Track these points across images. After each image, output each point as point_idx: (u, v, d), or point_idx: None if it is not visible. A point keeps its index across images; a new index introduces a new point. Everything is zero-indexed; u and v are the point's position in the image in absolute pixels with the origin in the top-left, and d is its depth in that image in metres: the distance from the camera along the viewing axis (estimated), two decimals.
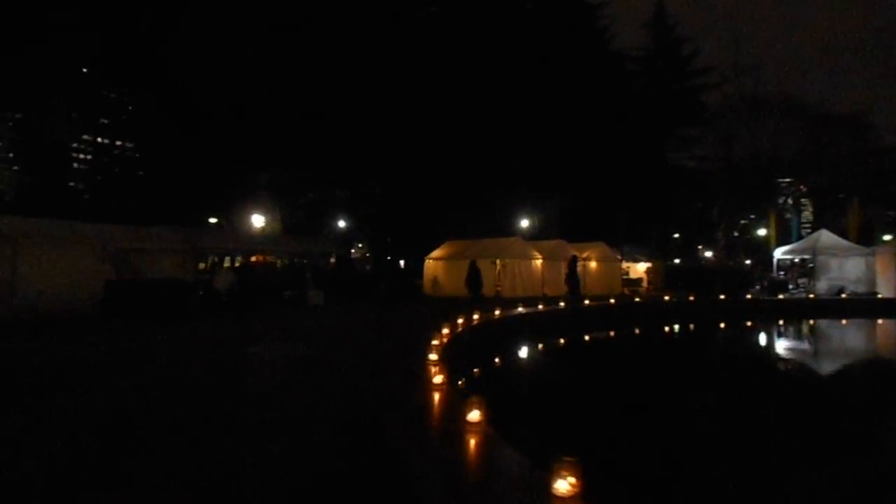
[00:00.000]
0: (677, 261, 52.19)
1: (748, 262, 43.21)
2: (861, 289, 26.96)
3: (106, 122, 45.96)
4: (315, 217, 42.28)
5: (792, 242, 56.90)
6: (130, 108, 42.58)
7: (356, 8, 39.03)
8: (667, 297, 22.14)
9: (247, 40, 36.02)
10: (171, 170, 38.23)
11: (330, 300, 23.49)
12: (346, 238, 41.72)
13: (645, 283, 38.53)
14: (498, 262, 29.73)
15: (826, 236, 29.78)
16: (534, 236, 36.24)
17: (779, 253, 31.26)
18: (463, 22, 42.92)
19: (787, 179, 54.71)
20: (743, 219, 60.22)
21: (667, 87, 55.84)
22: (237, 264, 24.89)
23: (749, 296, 24.99)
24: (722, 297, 24.62)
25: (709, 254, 57.65)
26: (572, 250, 33.48)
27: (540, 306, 17.60)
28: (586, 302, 19.77)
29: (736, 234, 60.29)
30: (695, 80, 56.53)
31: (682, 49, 56.96)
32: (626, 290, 36.44)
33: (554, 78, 44.84)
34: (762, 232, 52.90)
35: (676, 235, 60.96)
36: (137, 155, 43.24)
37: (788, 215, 56.85)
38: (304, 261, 28.60)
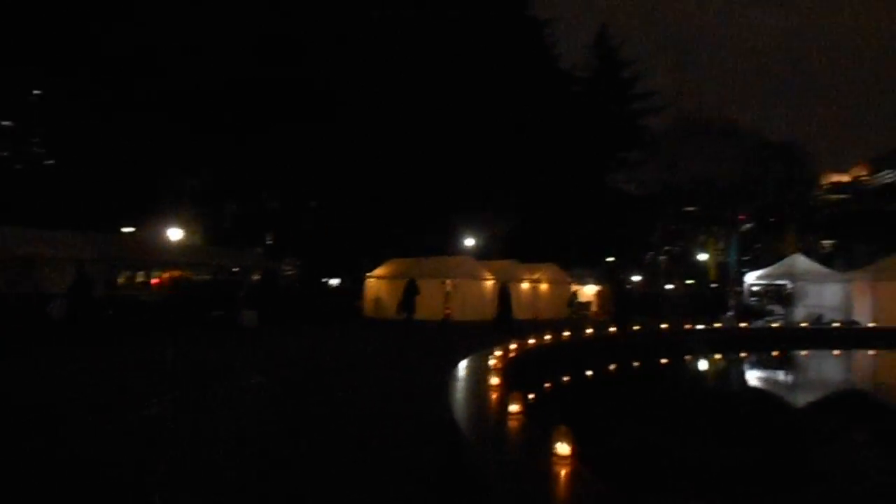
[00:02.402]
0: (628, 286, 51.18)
1: (725, 287, 42.20)
2: (839, 316, 25.96)
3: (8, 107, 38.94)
4: (243, 229, 38.81)
5: (731, 269, 57.47)
6: (37, 92, 36.81)
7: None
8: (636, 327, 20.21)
9: (196, 23, 32.29)
10: (86, 168, 33.70)
11: (262, 322, 20.67)
12: (277, 253, 38.36)
13: (594, 307, 37.16)
14: (448, 282, 27.40)
15: (802, 261, 28.92)
16: (481, 256, 34.22)
17: (751, 278, 30.09)
18: (409, 32, 40.86)
19: (726, 205, 54.94)
20: (682, 243, 60.27)
21: (609, 109, 55.32)
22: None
23: (718, 324, 23.43)
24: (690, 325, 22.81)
25: (637, 278, 56.79)
26: (523, 271, 31.83)
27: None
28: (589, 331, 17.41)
29: (671, 257, 60.32)
30: (637, 104, 56.30)
31: (625, 72, 56.68)
32: (573, 314, 34.96)
33: (500, 94, 43.39)
34: (703, 256, 52.78)
35: (611, 259, 60.37)
36: (44, 150, 37.89)
37: (724, 242, 57.16)
38: (239, 276, 25.55)
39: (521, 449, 4.28)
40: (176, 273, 25.16)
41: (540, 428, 4.66)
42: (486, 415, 5.54)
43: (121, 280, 23.20)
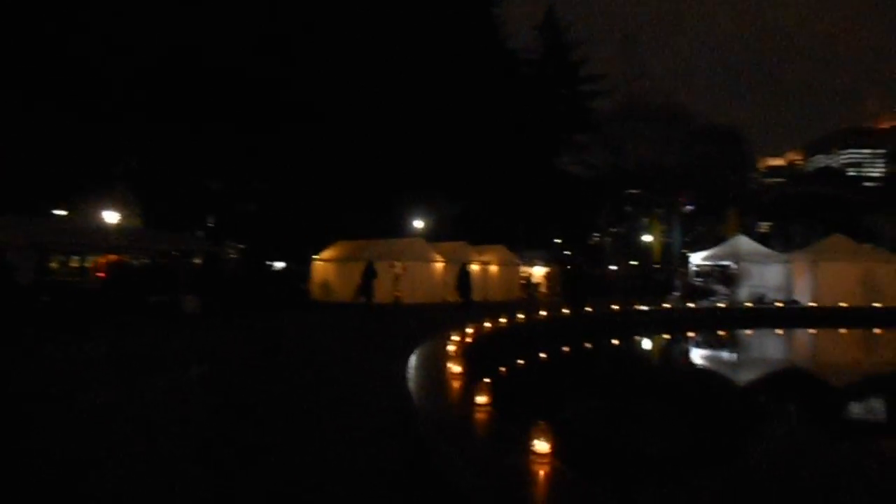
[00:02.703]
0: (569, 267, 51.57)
1: (672, 268, 42.77)
2: (780, 296, 26.56)
3: None
4: (184, 212, 37.23)
5: (674, 250, 58.61)
6: None
7: None
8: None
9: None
10: (11, 149, 31.66)
11: (205, 308, 19.81)
12: (219, 236, 36.99)
13: (544, 288, 37.29)
14: (398, 264, 26.89)
15: (745, 242, 29.40)
16: (430, 238, 33.79)
17: (696, 259, 30.49)
18: (354, 7, 39.73)
19: (670, 187, 55.84)
20: (627, 225, 61.11)
21: (557, 91, 55.36)
22: None
23: (667, 304, 23.67)
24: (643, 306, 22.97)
25: (582, 259, 57.37)
26: (473, 253, 31.57)
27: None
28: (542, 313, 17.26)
29: (616, 239, 61.15)
30: (585, 86, 56.47)
31: (573, 54, 56.73)
32: (524, 294, 35.10)
33: (448, 73, 42.76)
34: (647, 238, 53.61)
35: (558, 241, 60.85)
36: None
37: (668, 224, 58.19)
38: (180, 259, 24.42)
39: (493, 446, 3.89)
40: (113, 257, 23.95)
41: (512, 422, 4.30)
42: (452, 407, 5.14)
43: (53, 265, 21.92)
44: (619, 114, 55.11)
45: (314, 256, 30.63)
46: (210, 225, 39.17)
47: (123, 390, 7.98)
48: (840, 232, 31.15)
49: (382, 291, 25.36)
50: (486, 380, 5.30)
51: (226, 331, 15.92)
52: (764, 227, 59.86)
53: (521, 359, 13.50)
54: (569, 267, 42.10)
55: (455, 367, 6.15)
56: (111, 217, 28.30)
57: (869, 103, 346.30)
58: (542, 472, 3.45)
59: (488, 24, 50.09)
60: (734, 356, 19.49)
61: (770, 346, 21.96)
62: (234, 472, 4.82)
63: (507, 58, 51.44)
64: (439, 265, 29.10)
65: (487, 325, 11.77)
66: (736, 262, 27.90)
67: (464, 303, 22.92)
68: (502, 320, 12.71)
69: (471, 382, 6.02)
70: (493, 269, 32.81)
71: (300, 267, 34.19)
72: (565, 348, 16.21)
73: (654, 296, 28.34)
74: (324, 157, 36.17)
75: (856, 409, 11.62)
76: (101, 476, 4.68)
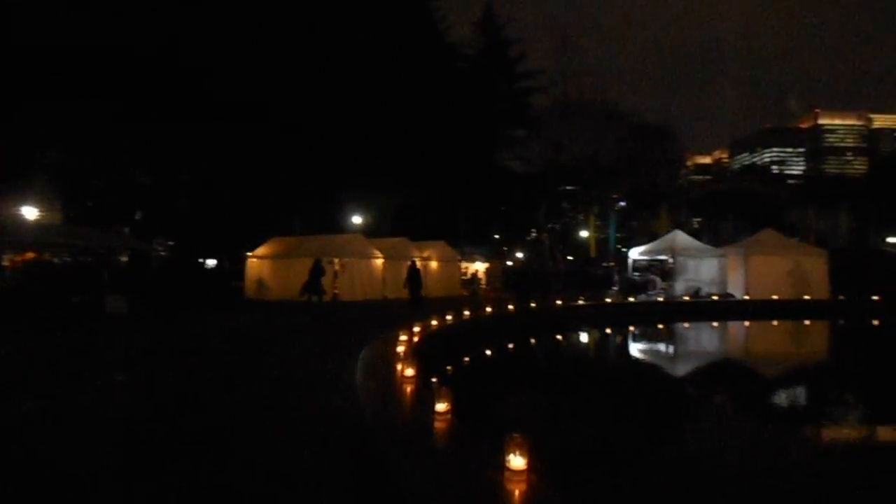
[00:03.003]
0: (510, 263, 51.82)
1: (611, 263, 43.23)
2: (715, 290, 27.16)
3: None
4: (109, 207, 35.35)
5: (609, 246, 59.66)
6: None
7: None
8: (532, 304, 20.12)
9: None
10: None
11: (132, 308, 18.75)
12: (148, 232, 35.27)
13: (483, 284, 37.20)
14: (336, 261, 26.21)
15: (681, 237, 29.91)
16: (369, 234, 33.18)
17: (634, 253, 30.88)
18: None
19: (605, 184, 56.77)
20: (564, 221, 61.83)
21: (496, 87, 55.41)
22: None
23: (608, 299, 23.88)
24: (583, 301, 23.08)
25: (520, 255, 57.91)
26: (413, 249, 31.15)
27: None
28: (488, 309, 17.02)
29: (554, 234, 61.85)
30: (523, 82, 56.75)
31: (511, 50, 56.91)
32: (464, 291, 34.91)
33: (385, 66, 42.08)
34: (584, 234, 54.38)
35: (497, 236, 61.16)
36: None
37: (603, 220, 59.24)
38: (105, 257, 23.09)
39: (460, 461, 3.49)
40: (31, 256, 22.47)
41: (476, 432, 3.91)
42: (408, 417, 4.72)
43: None
44: (555, 110, 55.62)
45: (248, 254, 29.57)
46: (138, 220, 37.34)
47: (42, 399, 7.23)
48: (766, 227, 32.22)
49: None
50: (438, 383, 4.94)
51: (153, 333, 14.99)
52: (694, 222, 61.64)
53: (466, 357, 13.20)
54: (510, 263, 42.36)
55: (408, 370, 5.73)
56: (29, 213, 26.68)
57: (791, 104, 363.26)
58: (517, 492, 3.09)
59: (427, 19, 49.66)
60: (671, 349, 19.76)
61: (706, 338, 22.40)
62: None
63: (446, 52, 51.14)
64: (378, 262, 28.57)
65: (434, 322, 11.38)
66: (672, 257, 28.42)
67: (413, 300, 22.40)
68: (449, 318, 12.34)
69: (425, 387, 5.62)
70: (434, 265, 32.47)
71: (233, 265, 33.04)
72: (510, 345, 16.04)
73: (593, 291, 28.56)
74: (258, 150, 34.94)
75: (781, 397, 12.00)
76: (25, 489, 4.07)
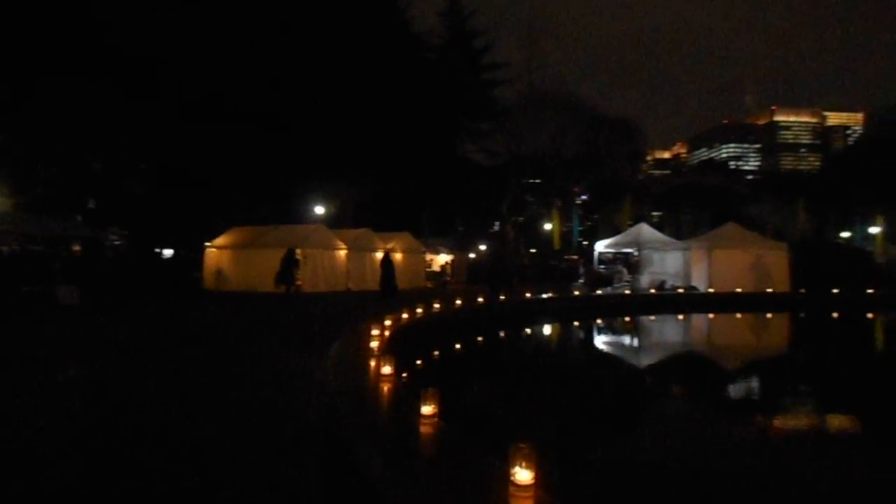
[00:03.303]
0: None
1: (574, 256, 43.26)
2: (679, 282, 27.31)
3: None
4: (60, 193, 33.91)
5: (573, 238, 59.99)
6: None
7: None
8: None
9: None
10: None
11: (85, 299, 17.94)
12: (101, 221, 33.92)
13: (448, 276, 36.92)
14: (299, 251, 25.58)
15: (647, 230, 30.03)
16: (332, 225, 32.56)
17: (600, 246, 30.87)
18: None
19: (568, 176, 56.97)
20: (527, 213, 61.89)
21: (460, 78, 55.01)
22: None
23: (575, 292, 23.78)
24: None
25: (483, 247, 57.83)
26: (377, 240, 30.68)
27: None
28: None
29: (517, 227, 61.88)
30: (487, 74, 56.49)
31: (476, 41, 56.54)
32: (429, 283, 34.61)
33: (349, 55, 41.29)
34: (548, 226, 54.48)
35: (461, 228, 60.90)
36: None
37: (566, 213, 59.44)
38: (56, 245, 22.15)
39: (454, 474, 3.11)
40: None
41: (467, 438, 3.54)
42: (389, 419, 4.34)
43: None
44: (519, 103, 55.48)
45: (206, 243, 28.70)
46: (91, 208, 35.92)
47: None
48: (728, 221, 32.66)
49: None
50: (418, 382, 4.55)
51: (105, 324, 14.27)
52: (655, 216, 62.30)
53: (436, 351, 12.88)
54: (472, 255, 42.10)
55: (385, 368, 5.35)
56: None
57: (748, 100, 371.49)
58: None
59: (391, 7, 48.90)
60: (636, 341, 19.81)
61: (671, 331, 22.50)
62: None
63: (411, 42, 50.48)
64: (342, 253, 28.03)
65: (406, 316, 11.00)
66: (638, 250, 28.52)
67: (385, 292, 22.04)
68: (419, 311, 11.96)
69: (403, 386, 5.25)
70: (398, 256, 32.01)
71: (191, 255, 32.04)
72: (479, 338, 15.76)
73: (558, 284, 28.44)
74: (217, 139, 33.86)
75: (738, 389, 12.21)
76: None
